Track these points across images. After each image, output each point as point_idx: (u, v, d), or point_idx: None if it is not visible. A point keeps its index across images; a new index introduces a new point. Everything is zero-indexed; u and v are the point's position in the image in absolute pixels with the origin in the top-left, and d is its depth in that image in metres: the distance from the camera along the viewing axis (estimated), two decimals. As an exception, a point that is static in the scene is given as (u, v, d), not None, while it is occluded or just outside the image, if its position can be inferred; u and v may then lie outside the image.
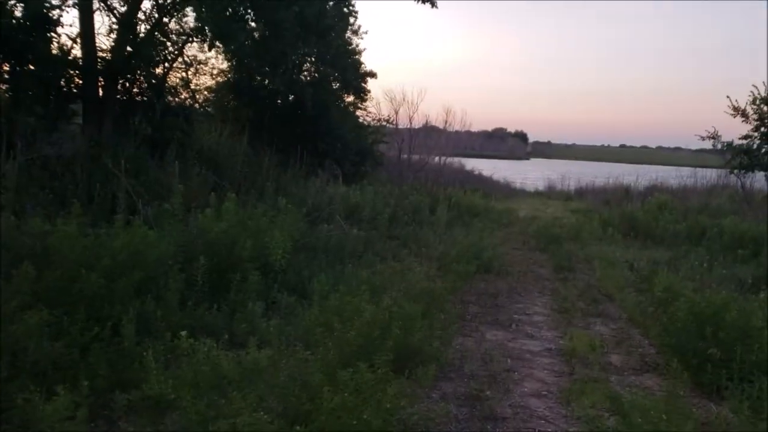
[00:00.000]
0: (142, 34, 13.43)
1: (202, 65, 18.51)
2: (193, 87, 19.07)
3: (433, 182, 22.73)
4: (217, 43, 12.98)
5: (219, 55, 17.33)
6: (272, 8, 12.12)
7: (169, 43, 14.51)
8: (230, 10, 11.76)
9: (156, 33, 13.53)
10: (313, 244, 9.08)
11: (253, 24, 13.60)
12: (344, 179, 16.92)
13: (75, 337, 4.42)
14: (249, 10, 12.27)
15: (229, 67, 17.82)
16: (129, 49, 13.05)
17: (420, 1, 13.91)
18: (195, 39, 13.34)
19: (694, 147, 38.01)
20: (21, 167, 9.83)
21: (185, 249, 6.48)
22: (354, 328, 4.62)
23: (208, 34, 12.22)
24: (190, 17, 13.49)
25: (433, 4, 14.07)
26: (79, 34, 12.49)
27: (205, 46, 15.79)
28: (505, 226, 16.39)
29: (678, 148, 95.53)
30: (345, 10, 19.60)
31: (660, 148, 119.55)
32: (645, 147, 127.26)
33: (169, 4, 13.01)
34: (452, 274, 8.87)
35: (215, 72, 18.38)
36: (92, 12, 12.76)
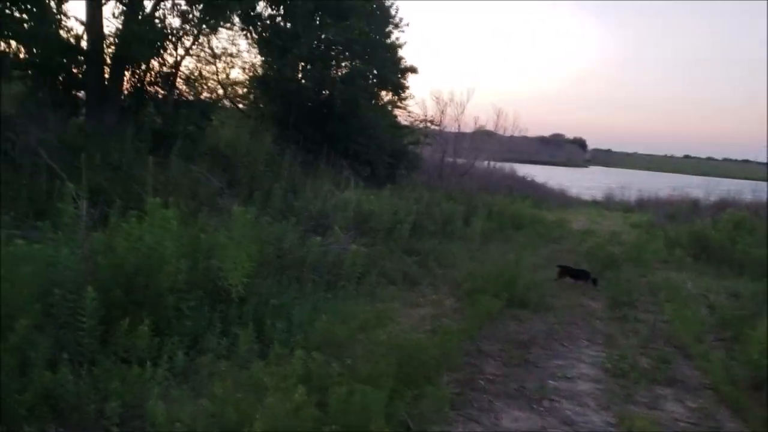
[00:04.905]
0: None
1: (232, 58, 17.25)
2: (222, 81, 17.90)
3: (476, 188, 20.71)
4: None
5: (252, 48, 16.03)
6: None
7: (178, 28, 12.99)
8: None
9: (158, 15, 12.03)
10: (301, 262, 7.24)
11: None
12: (377, 182, 15.25)
13: None
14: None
15: (261, 62, 16.43)
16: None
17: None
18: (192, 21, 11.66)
19: (764, 160, 35.13)
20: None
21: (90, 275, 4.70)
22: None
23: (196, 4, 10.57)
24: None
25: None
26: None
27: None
28: (553, 241, 14.23)
29: (747, 161, 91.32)
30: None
31: (727, 160, 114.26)
32: (711, 159, 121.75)
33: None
34: (473, 308, 6.88)
35: (247, 66, 17.22)
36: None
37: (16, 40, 10.94)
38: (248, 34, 13.95)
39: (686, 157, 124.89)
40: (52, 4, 10.85)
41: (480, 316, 6.70)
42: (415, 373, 4.19)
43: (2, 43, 10.84)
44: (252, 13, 11.86)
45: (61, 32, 11.34)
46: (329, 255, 7.68)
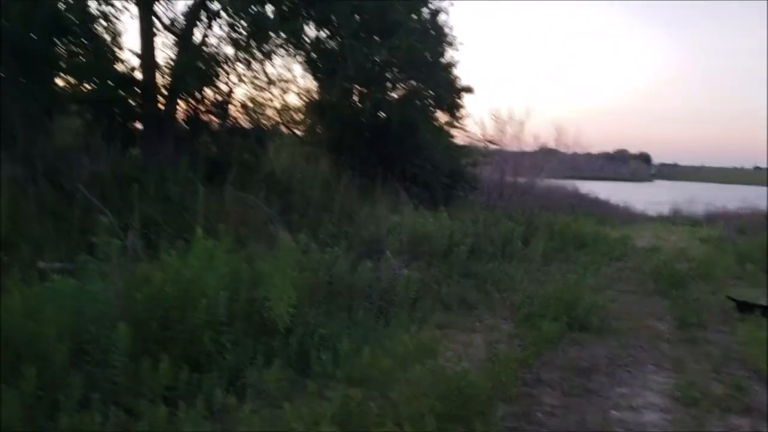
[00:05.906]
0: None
1: (287, 83, 17.39)
2: (277, 107, 18.04)
3: (537, 207, 20.24)
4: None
5: (308, 74, 16.12)
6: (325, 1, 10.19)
7: (229, 57, 13.09)
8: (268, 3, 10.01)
9: (205, 43, 12.14)
10: (352, 289, 7.06)
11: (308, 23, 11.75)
12: (434, 204, 15.04)
13: None
14: (294, 2, 10.39)
15: (317, 87, 16.50)
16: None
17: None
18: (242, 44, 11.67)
19: None
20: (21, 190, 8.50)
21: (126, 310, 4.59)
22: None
23: (241, 31, 10.59)
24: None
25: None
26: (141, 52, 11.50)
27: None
28: (617, 260, 13.70)
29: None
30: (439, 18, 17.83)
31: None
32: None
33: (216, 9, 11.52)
34: (531, 333, 6.56)
35: (303, 92, 17.42)
36: (152, 24, 11.61)
37: (71, 75, 11.15)
38: (297, 57, 13.96)
39: (756, 168, 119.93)
40: (107, 37, 11.03)
41: (538, 342, 6.36)
42: (464, 407, 3.92)
43: (59, 79, 11.09)
44: (300, 37, 11.82)
45: (116, 65, 11.52)
46: (381, 281, 7.49)
